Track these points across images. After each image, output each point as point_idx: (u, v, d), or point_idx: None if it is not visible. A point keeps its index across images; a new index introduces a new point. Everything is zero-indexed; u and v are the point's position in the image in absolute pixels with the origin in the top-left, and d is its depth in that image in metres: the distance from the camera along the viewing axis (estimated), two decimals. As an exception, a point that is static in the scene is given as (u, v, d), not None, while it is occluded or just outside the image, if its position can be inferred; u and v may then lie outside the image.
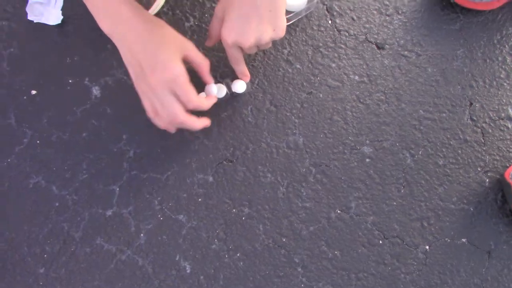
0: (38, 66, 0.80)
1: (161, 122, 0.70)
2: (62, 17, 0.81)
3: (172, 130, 0.73)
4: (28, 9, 0.80)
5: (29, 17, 0.81)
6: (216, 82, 0.78)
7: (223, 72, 0.80)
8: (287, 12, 0.81)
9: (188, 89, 0.67)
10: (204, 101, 0.72)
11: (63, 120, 0.78)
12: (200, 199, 0.75)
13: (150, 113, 0.71)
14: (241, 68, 0.77)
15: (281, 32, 0.71)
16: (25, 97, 0.79)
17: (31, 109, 0.78)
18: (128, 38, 0.65)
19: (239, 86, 0.79)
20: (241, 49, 0.73)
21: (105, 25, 0.65)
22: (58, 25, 0.81)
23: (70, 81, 0.79)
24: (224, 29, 0.70)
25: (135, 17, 0.65)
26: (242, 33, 0.70)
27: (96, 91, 0.79)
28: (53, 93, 0.79)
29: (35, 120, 0.78)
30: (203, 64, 0.72)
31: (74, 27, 0.82)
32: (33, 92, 0.79)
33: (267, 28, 0.70)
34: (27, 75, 0.80)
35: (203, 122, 0.72)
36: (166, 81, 0.65)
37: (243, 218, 0.75)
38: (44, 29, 0.81)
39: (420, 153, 0.79)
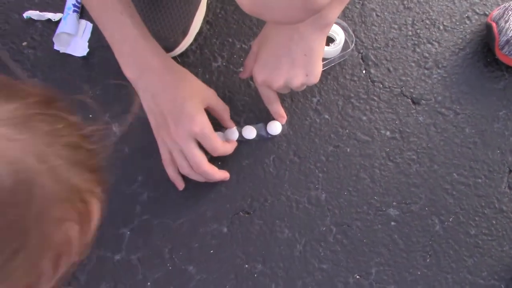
0: (59, 98, 0.78)
1: (184, 171, 0.68)
2: (88, 49, 0.79)
3: (182, 185, 0.72)
4: (55, 38, 0.79)
5: (56, 47, 0.80)
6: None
7: (247, 117, 0.77)
8: (319, 60, 0.77)
9: (214, 139, 0.66)
10: (228, 148, 0.71)
11: (79, 156, 0.76)
12: (212, 251, 0.72)
13: (166, 161, 0.70)
14: (275, 108, 0.74)
15: (314, 79, 0.68)
16: (44, 129, 0.77)
17: (49, 142, 0.76)
18: (153, 87, 0.64)
19: (274, 128, 0.75)
20: None
21: (131, 72, 0.64)
22: (83, 56, 0.80)
23: (90, 115, 0.77)
24: (256, 67, 0.68)
25: (163, 68, 0.64)
26: (271, 74, 0.67)
27: (115, 127, 0.77)
28: (72, 126, 0.77)
29: (52, 154, 0.76)
30: (223, 112, 0.71)
31: (100, 60, 0.80)
32: (52, 124, 0.77)
33: (298, 73, 0.67)
34: (48, 106, 0.78)
35: (224, 174, 0.71)
36: (192, 134, 0.64)
37: (255, 275, 0.71)
38: (69, 60, 0.80)
39: (450, 220, 0.73)
